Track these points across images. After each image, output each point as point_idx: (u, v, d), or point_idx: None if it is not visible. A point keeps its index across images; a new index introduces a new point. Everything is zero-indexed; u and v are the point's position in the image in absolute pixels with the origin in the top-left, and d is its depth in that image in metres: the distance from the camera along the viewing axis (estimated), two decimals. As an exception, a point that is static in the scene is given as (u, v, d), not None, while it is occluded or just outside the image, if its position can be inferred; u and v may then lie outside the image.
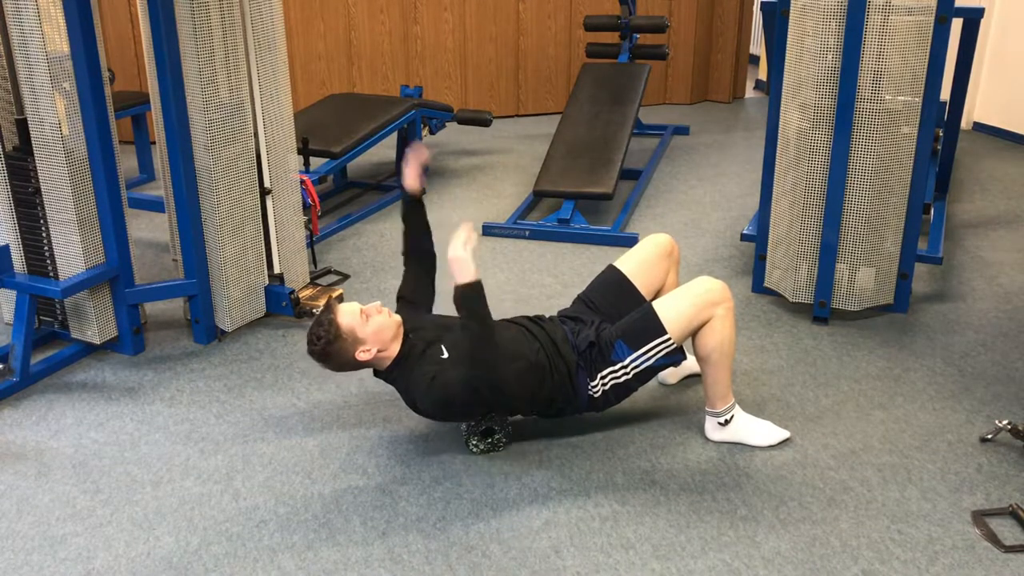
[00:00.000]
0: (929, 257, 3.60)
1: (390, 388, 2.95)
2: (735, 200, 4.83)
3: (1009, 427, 2.59)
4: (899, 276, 3.37)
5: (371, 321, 2.48)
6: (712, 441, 2.65)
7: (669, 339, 2.51)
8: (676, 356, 2.54)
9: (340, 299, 3.59)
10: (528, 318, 2.72)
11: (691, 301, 2.52)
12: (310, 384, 3.02)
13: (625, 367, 2.54)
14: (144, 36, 3.13)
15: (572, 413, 2.63)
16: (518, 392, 2.50)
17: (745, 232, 3.78)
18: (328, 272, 3.87)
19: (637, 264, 2.81)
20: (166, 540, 2.28)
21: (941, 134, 4.56)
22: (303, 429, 2.76)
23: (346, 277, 3.88)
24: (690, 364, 2.92)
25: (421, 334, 2.58)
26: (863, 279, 3.34)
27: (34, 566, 2.20)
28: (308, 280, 3.66)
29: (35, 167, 2.99)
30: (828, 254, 3.28)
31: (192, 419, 2.82)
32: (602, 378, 2.55)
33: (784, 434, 2.64)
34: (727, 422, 2.63)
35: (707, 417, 2.66)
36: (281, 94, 3.35)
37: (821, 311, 3.36)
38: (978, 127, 6.19)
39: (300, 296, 3.49)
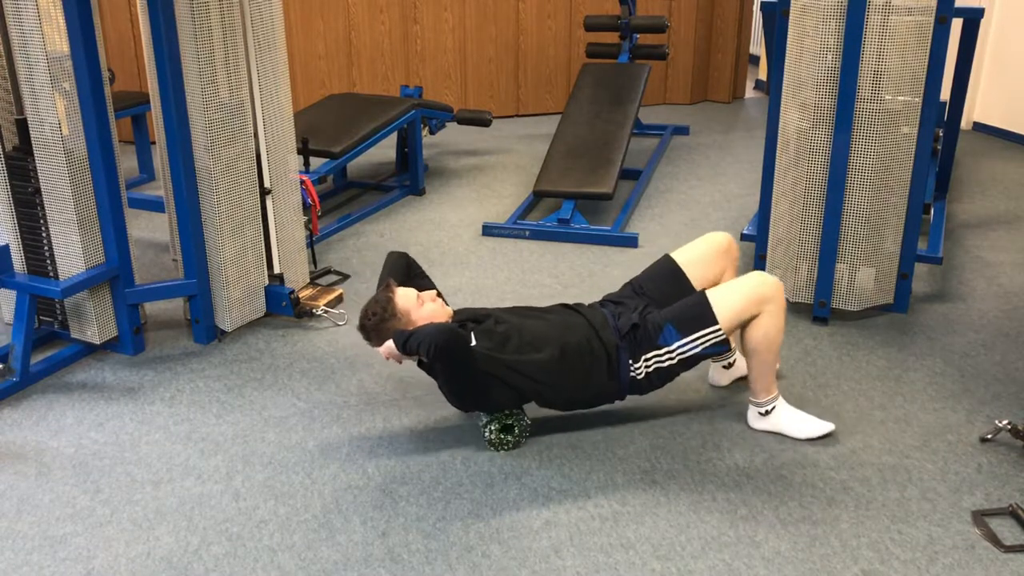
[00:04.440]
0: (929, 257, 3.60)
1: (391, 388, 2.97)
2: (735, 200, 4.83)
3: (1009, 427, 2.59)
4: (899, 276, 3.37)
5: (425, 307, 2.57)
6: (753, 429, 2.69)
7: (719, 330, 2.52)
8: (722, 347, 2.56)
9: (340, 299, 3.60)
10: (565, 305, 2.76)
11: (744, 295, 2.54)
12: (310, 384, 3.02)
13: (671, 352, 2.55)
14: (144, 36, 3.13)
15: (611, 399, 2.65)
16: (544, 379, 2.53)
17: (745, 232, 3.78)
18: (328, 272, 3.87)
19: (693, 258, 2.82)
20: (166, 540, 2.28)
21: (941, 134, 4.56)
22: (303, 429, 2.76)
23: (346, 277, 3.88)
24: (743, 366, 2.95)
25: (459, 325, 2.63)
26: (863, 279, 3.34)
27: (34, 566, 2.20)
28: (308, 280, 3.66)
29: (35, 167, 2.99)
30: (828, 254, 3.28)
31: (192, 419, 2.82)
32: (645, 360, 2.57)
33: (827, 427, 2.65)
34: (768, 412, 2.65)
35: (750, 407, 2.70)
36: (281, 94, 3.35)
37: (821, 311, 3.36)
38: (978, 127, 6.19)
39: (300, 296, 3.49)
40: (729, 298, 2.54)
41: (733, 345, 2.79)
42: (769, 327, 2.53)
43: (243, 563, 2.20)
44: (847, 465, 2.54)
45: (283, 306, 3.40)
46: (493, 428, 2.60)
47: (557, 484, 2.47)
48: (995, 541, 2.23)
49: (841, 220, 3.24)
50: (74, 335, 3.19)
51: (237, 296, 3.31)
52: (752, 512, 2.35)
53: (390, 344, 2.50)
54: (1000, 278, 3.80)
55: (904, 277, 3.38)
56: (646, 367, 2.57)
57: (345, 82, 6.36)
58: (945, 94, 3.87)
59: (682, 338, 2.54)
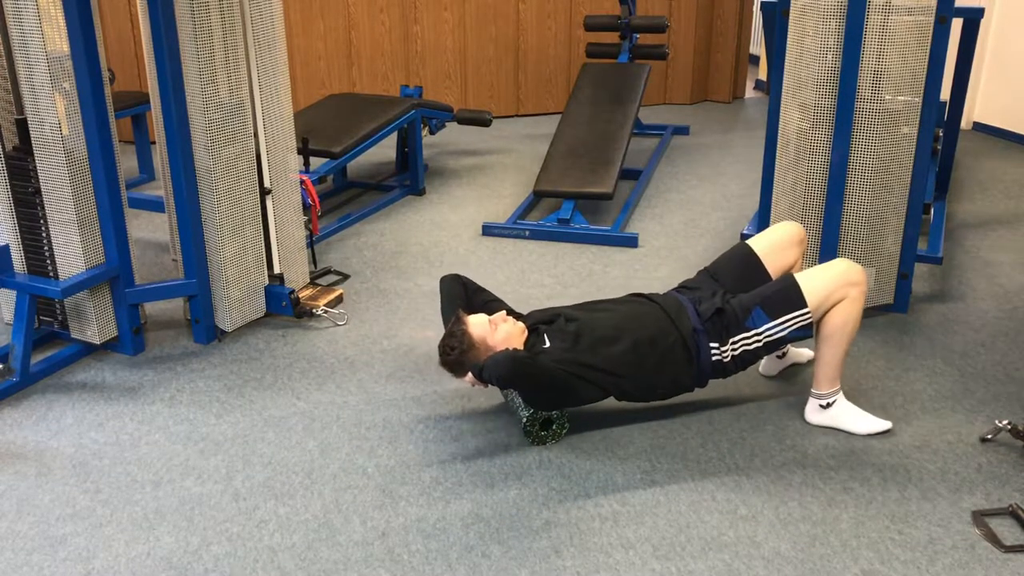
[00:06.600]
0: (929, 257, 3.60)
1: (391, 388, 2.97)
2: (735, 200, 4.83)
3: (1009, 427, 2.59)
4: (899, 276, 3.37)
5: (499, 330, 2.61)
6: (810, 424, 2.70)
7: (808, 312, 2.54)
8: (807, 331, 2.58)
9: (340, 299, 3.60)
10: (636, 295, 2.80)
11: (831, 279, 2.56)
12: (310, 384, 3.02)
13: (759, 334, 2.57)
14: (144, 36, 3.13)
15: (691, 385, 2.67)
16: (621, 371, 2.56)
17: (745, 232, 3.77)
18: (328, 272, 3.87)
19: (769, 245, 2.83)
20: (166, 540, 2.28)
21: (941, 134, 4.56)
22: (303, 429, 2.76)
23: (346, 277, 3.88)
24: (792, 355, 3.01)
25: (532, 330, 2.70)
26: (863, 279, 3.34)
27: (34, 566, 2.20)
28: (308, 280, 3.66)
29: (35, 167, 2.99)
30: (828, 254, 3.28)
31: (192, 419, 2.82)
32: (733, 344, 2.59)
33: (884, 425, 2.67)
34: (828, 406, 2.67)
35: (810, 399, 2.71)
36: (281, 94, 3.35)
37: (821, 311, 3.35)
38: (978, 127, 6.19)
39: (300, 296, 3.49)
40: (818, 281, 2.56)
41: None
42: (850, 313, 2.55)
43: (243, 563, 2.20)
44: (847, 465, 2.54)
45: (283, 306, 3.40)
46: (533, 422, 2.62)
47: (557, 484, 2.47)
48: (995, 541, 2.23)
49: (841, 220, 3.24)
50: (74, 335, 3.19)
51: (237, 296, 3.31)
52: (752, 512, 2.35)
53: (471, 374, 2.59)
54: (1000, 278, 3.80)
55: (904, 277, 3.38)
56: (732, 351, 2.59)
57: (345, 82, 6.36)
58: (945, 94, 3.86)
59: (770, 321, 2.56)
